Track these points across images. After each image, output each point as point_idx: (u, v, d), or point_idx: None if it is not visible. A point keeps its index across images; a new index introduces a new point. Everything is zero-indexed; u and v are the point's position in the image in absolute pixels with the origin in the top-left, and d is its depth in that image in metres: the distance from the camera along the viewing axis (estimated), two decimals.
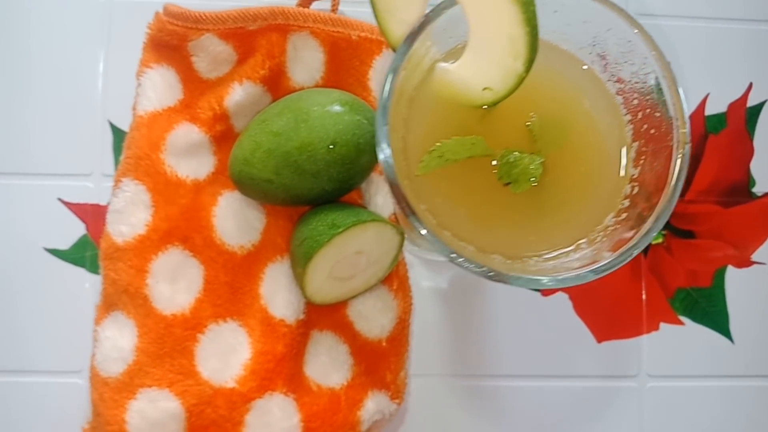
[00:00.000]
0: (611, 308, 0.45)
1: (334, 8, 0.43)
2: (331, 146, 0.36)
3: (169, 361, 0.38)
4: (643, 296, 0.45)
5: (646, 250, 0.45)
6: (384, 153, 0.22)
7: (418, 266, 0.44)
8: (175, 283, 0.39)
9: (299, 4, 0.43)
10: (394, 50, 0.25)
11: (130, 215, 0.39)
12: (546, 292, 0.45)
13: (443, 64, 0.24)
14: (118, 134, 0.44)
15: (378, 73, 0.42)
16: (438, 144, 0.24)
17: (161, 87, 0.41)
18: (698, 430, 0.45)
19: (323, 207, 0.39)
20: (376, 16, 0.25)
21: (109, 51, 0.44)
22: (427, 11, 0.23)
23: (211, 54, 0.41)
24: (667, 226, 0.45)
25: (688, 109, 0.22)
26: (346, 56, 0.42)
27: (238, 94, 0.40)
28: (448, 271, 0.45)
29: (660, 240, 0.45)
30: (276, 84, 0.42)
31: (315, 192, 0.38)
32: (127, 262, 0.38)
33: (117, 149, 0.43)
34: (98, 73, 0.44)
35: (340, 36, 0.41)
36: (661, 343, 0.45)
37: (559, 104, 0.24)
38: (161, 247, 0.39)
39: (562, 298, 0.45)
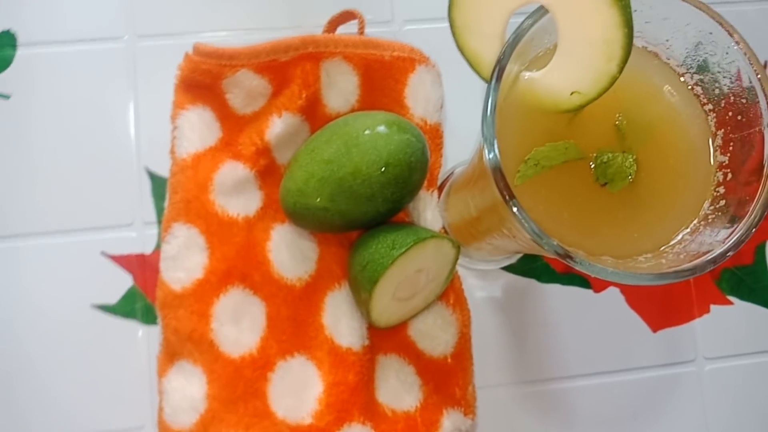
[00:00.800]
0: (662, 297, 0.45)
1: (361, 30, 0.43)
2: (384, 168, 0.36)
3: (242, 405, 0.37)
4: (692, 280, 0.46)
5: None
6: (492, 162, 0.22)
7: (471, 277, 0.44)
8: (238, 323, 0.38)
9: (326, 31, 0.43)
10: (471, 65, 0.25)
11: (186, 260, 0.38)
12: (598, 288, 0.45)
13: (528, 73, 0.24)
14: (156, 180, 0.43)
15: (413, 90, 0.42)
16: (532, 152, 0.24)
17: (200, 127, 0.41)
18: (760, 406, 0.45)
19: (378, 229, 0.39)
20: (453, 32, 0.25)
21: (138, 96, 0.44)
22: (510, 21, 0.23)
23: (246, 89, 0.41)
24: None
25: None
26: (380, 77, 0.42)
27: (278, 126, 0.40)
28: (500, 279, 0.45)
29: None
30: (313, 112, 0.42)
31: (369, 215, 0.38)
32: (188, 309, 0.38)
33: (157, 195, 0.43)
34: (129, 120, 0.44)
35: (372, 57, 0.41)
36: (713, 325, 0.46)
37: (641, 100, 0.25)
38: (221, 289, 0.38)
39: (614, 292, 0.45)
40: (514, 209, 0.22)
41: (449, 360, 0.41)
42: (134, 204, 0.43)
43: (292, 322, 0.39)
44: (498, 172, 0.22)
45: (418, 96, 0.42)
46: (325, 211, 0.37)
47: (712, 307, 0.46)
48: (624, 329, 0.45)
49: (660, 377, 0.45)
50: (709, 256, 0.22)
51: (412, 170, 0.37)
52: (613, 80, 0.23)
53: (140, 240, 0.42)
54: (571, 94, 0.24)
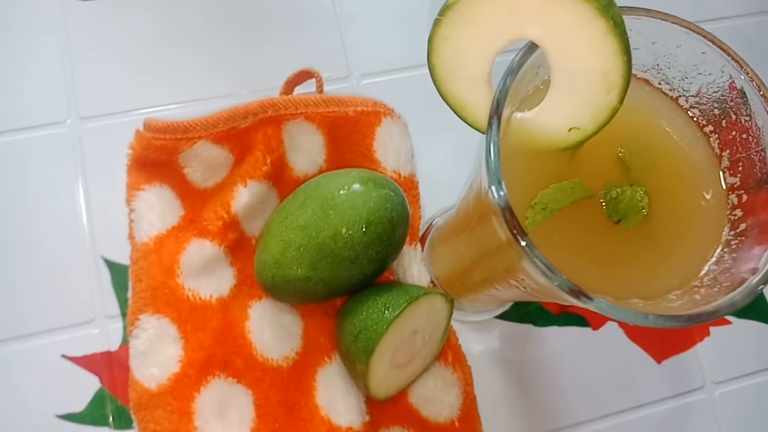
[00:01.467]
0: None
1: (320, 89, 0.41)
2: (365, 227, 0.34)
3: None
4: None
5: None
6: (502, 201, 0.20)
7: (465, 331, 0.42)
8: (225, 417, 0.35)
9: (283, 92, 0.42)
10: (455, 111, 0.24)
11: (159, 354, 0.35)
12: (596, 325, 0.43)
13: (520, 114, 0.23)
14: (115, 269, 0.39)
15: (382, 143, 0.40)
16: (538, 195, 0.22)
17: (159, 207, 0.38)
18: None
19: (366, 293, 0.36)
20: (434, 80, 0.23)
21: (87, 181, 0.41)
22: (495, 61, 0.22)
23: (205, 161, 0.39)
24: None
25: None
26: (346, 134, 0.40)
27: (244, 196, 0.38)
28: (496, 329, 0.43)
29: None
30: (280, 177, 0.40)
31: (355, 279, 0.35)
32: (166, 408, 0.34)
33: (118, 286, 0.39)
34: (80, 207, 0.40)
35: (336, 115, 0.40)
36: (716, 348, 0.44)
37: (639, 129, 0.24)
38: (201, 382, 0.35)
39: (613, 327, 0.44)
40: (526, 248, 0.20)
41: (456, 424, 0.38)
42: (93, 298, 0.39)
43: (284, 407, 0.36)
44: (509, 211, 0.20)
45: (388, 149, 0.40)
46: (308, 280, 0.34)
47: (712, 329, 0.45)
48: (628, 364, 0.43)
49: (672, 409, 0.43)
50: (747, 285, 0.20)
51: (394, 226, 0.35)
52: (614, 112, 0.21)
53: (104, 337, 0.38)
54: (570, 130, 0.22)
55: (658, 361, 0.43)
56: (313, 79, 0.42)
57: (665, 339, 0.44)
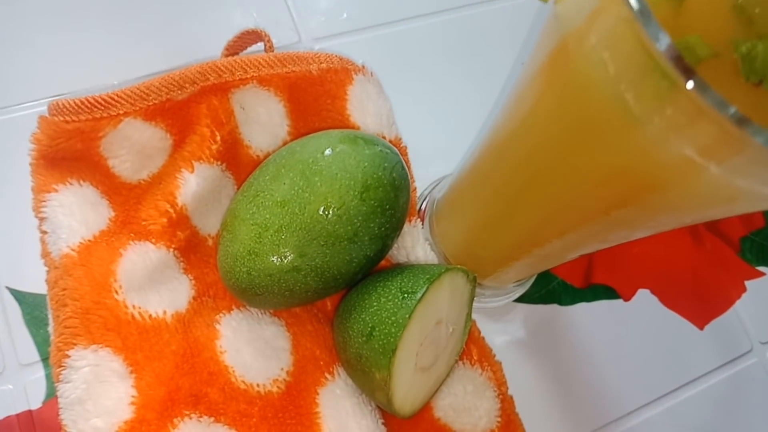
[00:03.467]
0: (695, 286, 0.38)
1: (269, 47, 0.34)
2: (363, 193, 0.26)
3: None
4: (715, 259, 0.39)
5: None
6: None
7: (485, 322, 0.34)
8: None
9: (226, 54, 0.34)
10: None
11: (102, 398, 0.25)
12: (627, 295, 0.37)
13: None
14: (27, 302, 0.30)
15: (359, 104, 0.33)
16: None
17: (81, 209, 0.28)
18: None
19: (370, 282, 0.28)
20: None
21: None
22: None
23: (136, 146, 0.30)
24: None
25: None
26: (311, 97, 0.33)
27: (192, 184, 0.29)
28: (517, 314, 0.35)
29: None
30: (234, 158, 0.31)
31: (355, 263, 0.27)
32: None
33: (32, 322, 0.29)
34: None
35: (296, 75, 0.32)
36: (756, 305, 0.39)
37: None
38: (167, 428, 0.25)
39: (645, 295, 0.37)
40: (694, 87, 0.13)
41: None
42: (2, 343, 0.29)
43: None
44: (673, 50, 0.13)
45: (367, 110, 0.33)
46: (296, 272, 0.26)
47: (747, 283, 0.39)
48: (670, 335, 0.37)
49: (725, 380, 0.37)
50: None
51: (397, 190, 0.28)
52: None
53: (20, 392, 0.28)
54: None
55: (700, 327, 0.38)
56: (261, 43, 0.34)
57: (701, 301, 0.38)
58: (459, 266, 0.28)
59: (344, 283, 0.28)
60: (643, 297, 0.37)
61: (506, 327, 0.35)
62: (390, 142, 0.33)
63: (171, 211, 0.29)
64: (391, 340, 0.25)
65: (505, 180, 0.24)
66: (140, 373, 0.26)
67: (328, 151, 0.27)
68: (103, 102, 0.29)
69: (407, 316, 0.25)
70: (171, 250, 0.29)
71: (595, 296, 0.37)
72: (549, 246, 0.25)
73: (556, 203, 0.21)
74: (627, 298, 0.37)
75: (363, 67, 0.34)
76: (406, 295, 0.26)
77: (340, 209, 0.26)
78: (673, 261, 0.39)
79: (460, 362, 0.31)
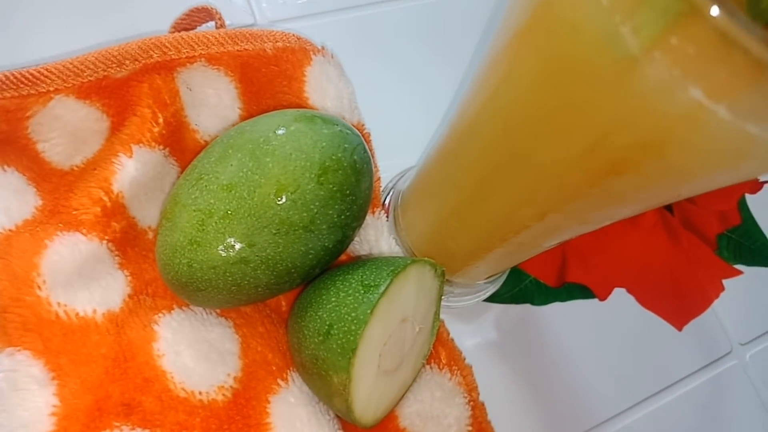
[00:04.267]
0: (672, 285, 0.37)
1: (220, 26, 0.31)
2: (320, 175, 0.24)
3: None
4: (692, 256, 0.38)
5: (670, 208, 0.38)
6: None
7: (452, 323, 0.32)
8: None
9: (173, 30, 0.31)
10: None
11: (18, 409, 0.22)
12: (603, 294, 0.35)
13: None
14: None
15: (318, 86, 0.30)
16: None
17: (2, 197, 0.25)
18: None
19: (329, 276, 0.26)
20: None
21: None
22: None
23: (68, 129, 0.27)
24: None
25: None
26: (266, 78, 0.30)
27: (130, 169, 0.26)
28: (488, 315, 0.33)
29: None
30: (179, 143, 0.29)
31: (312, 255, 0.25)
32: None
33: None
34: None
35: (249, 54, 0.29)
36: (734, 304, 0.38)
37: None
38: None
39: (621, 294, 0.35)
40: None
41: None
42: None
43: None
44: None
45: (327, 92, 0.30)
46: (243, 264, 0.23)
47: (725, 282, 0.38)
48: (648, 337, 0.35)
49: (705, 383, 0.35)
50: None
51: (359, 174, 0.25)
52: None
53: None
54: None
55: (679, 327, 0.36)
56: (212, 22, 0.32)
57: (680, 300, 0.36)
58: (427, 258, 0.26)
59: (300, 278, 0.25)
60: (620, 296, 0.35)
61: (477, 328, 0.32)
62: (352, 126, 0.30)
63: (105, 199, 0.26)
64: (351, 338, 0.23)
65: (479, 158, 0.22)
66: (64, 380, 0.22)
67: (281, 130, 0.24)
68: (30, 77, 0.26)
69: (369, 311, 0.23)
70: (104, 242, 0.25)
71: (570, 296, 0.35)
72: (525, 232, 0.23)
73: (536, 178, 0.18)
74: (603, 298, 0.35)
75: (323, 48, 0.32)
76: (367, 289, 0.23)
77: (294, 193, 0.23)
78: (650, 259, 0.37)
79: (428, 366, 0.29)
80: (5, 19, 0.32)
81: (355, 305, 0.23)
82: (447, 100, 0.36)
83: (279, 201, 0.23)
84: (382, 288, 0.23)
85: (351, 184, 0.25)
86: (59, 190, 0.27)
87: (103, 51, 0.27)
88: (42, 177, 0.27)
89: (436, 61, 0.38)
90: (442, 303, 0.31)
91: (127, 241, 0.26)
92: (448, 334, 0.30)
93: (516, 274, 0.34)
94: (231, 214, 0.23)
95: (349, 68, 0.33)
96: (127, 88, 0.28)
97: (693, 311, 0.36)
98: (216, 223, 0.23)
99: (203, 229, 0.23)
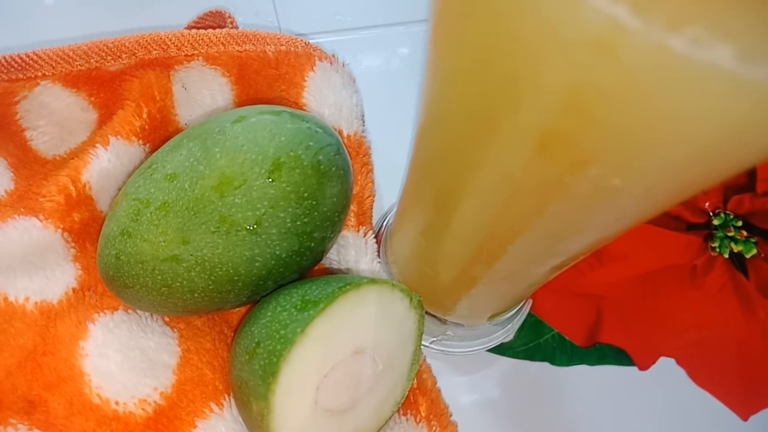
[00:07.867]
0: (739, 363, 0.30)
1: (232, 26, 0.30)
2: (271, 170, 0.21)
3: None
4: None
5: (744, 269, 0.31)
6: None
7: (446, 372, 0.27)
8: None
9: (189, 27, 0.30)
10: None
11: None
12: (644, 363, 0.29)
13: None
14: None
15: (317, 92, 0.28)
16: None
17: None
18: None
19: (278, 292, 0.22)
20: None
21: None
22: None
23: (55, 116, 0.27)
24: (754, 230, 0.32)
25: None
26: (265, 81, 0.28)
27: (102, 160, 0.25)
28: (494, 369, 0.28)
29: (754, 251, 0.32)
30: (163, 141, 0.27)
31: (259, 263, 0.22)
32: None
33: None
34: None
35: (249, 55, 0.28)
36: None
37: None
38: None
39: (668, 365, 0.29)
40: None
41: None
42: None
43: None
44: None
45: (325, 99, 0.28)
46: (174, 262, 0.21)
47: None
48: (699, 422, 0.28)
49: None
50: None
51: (323, 177, 0.22)
52: None
53: None
54: None
55: (744, 417, 0.28)
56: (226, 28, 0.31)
57: (749, 384, 0.29)
58: (395, 282, 0.22)
59: (248, 289, 0.22)
60: (666, 368, 0.29)
61: (476, 382, 0.28)
62: (347, 137, 0.28)
63: (71, 188, 0.25)
64: (274, 360, 0.19)
65: (435, 166, 0.18)
66: None
67: (238, 123, 0.22)
68: (20, 61, 0.26)
69: (299, 330, 0.19)
70: (59, 231, 0.24)
71: (601, 359, 0.29)
72: (504, 257, 0.19)
73: (490, 185, 0.15)
74: (644, 367, 0.29)
75: (333, 55, 0.29)
76: (306, 305, 0.20)
77: (238, 189, 0.21)
78: (712, 327, 0.30)
79: (402, 416, 0.24)
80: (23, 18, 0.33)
81: (287, 322, 0.20)
82: None
83: (221, 197, 0.21)
84: (321, 307, 0.20)
85: (310, 186, 0.22)
86: (35, 177, 0.26)
87: (99, 42, 0.27)
88: (24, 163, 0.27)
89: None
90: (435, 346, 0.27)
91: (87, 233, 0.25)
92: (435, 383, 0.25)
93: (535, 325, 0.29)
94: (168, 205, 0.21)
95: (374, 86, 0.30)
96: (120, 81, 0.27)
97: (765, 399, 0.29)
98: (151, 213, 0.21)
99: (137, 220, 0.21)
